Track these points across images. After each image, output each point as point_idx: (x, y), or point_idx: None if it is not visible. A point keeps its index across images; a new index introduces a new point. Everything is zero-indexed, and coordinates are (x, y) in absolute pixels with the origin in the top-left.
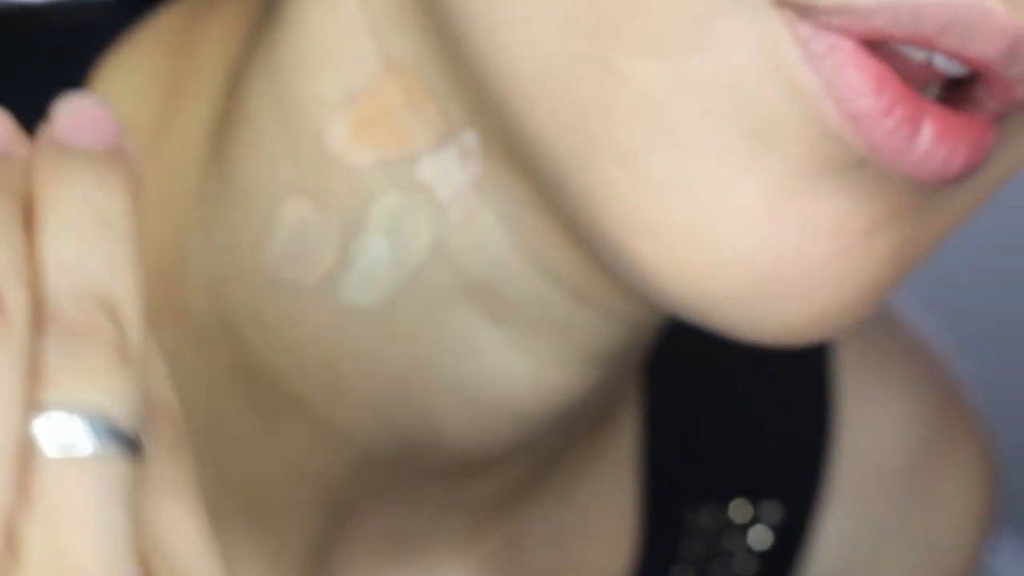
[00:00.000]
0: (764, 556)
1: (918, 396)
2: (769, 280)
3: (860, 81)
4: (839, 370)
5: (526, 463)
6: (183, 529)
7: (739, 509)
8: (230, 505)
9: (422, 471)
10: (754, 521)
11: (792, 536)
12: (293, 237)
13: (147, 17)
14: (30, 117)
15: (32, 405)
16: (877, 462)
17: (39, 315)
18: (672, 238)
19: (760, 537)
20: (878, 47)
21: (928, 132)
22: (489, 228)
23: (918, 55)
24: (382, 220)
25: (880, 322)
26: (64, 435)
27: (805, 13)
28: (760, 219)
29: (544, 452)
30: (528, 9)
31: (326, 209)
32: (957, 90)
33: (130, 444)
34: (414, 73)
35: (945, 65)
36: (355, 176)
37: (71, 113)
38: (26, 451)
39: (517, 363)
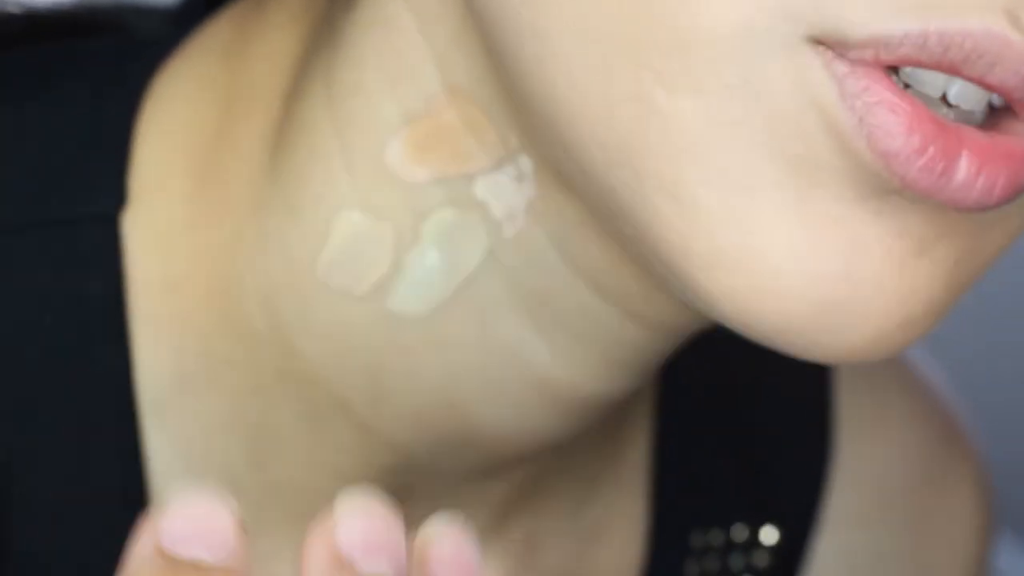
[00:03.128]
0: None
1: (916, 423)
2: (823, 306)
3: (891, 122)
4: (840, 398)
5: (547, 462)
6: None
7: (741, 532)
8: (273, 503)
9: (454, 470)
10: (755, 544)
11: (790, 560)
12: (347, 248)
13: (198, 27)
14: (85, 128)
15: None
16: (876, 489)
17: None
18: (726, 270)
19: (761, 560)
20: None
21: (966, 164)
22: (540, 246)
23: (934, 91)
24: (436, 234)
25: None
26: None
27: (840, 49)
28: (808, 248)
29: (564, 453)
30: (573, 47)
31: (381, 222)
32: (997, 110)
33: None
34: (472, 98)
35: (958, 98)
36: (411, 191)
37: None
38: None
39: (560, 371)
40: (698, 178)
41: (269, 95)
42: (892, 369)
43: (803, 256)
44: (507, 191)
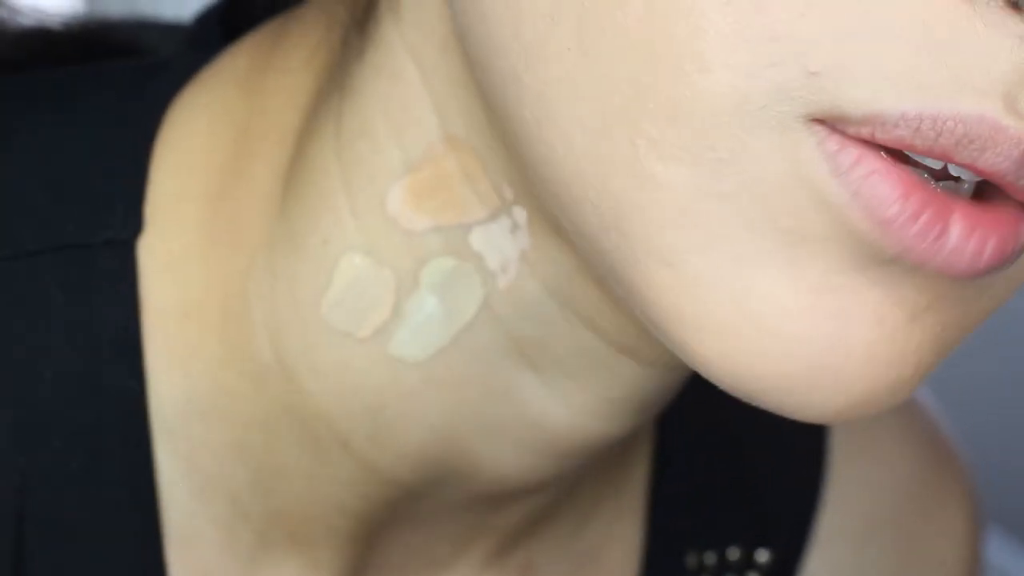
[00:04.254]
0: None
1: (908, 445)
2: (815, 369)
3: (887, 189)
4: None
5: (549, 494)
6: None
7: (734, 554)
8: (276, 529)
9: (454, 503)
10: (748, 565)
11: None
12: (350, 291)
13: (211, 49)
14: (102, 153)
15: None
16: (868, 510)
17: None
18: (718, 334)
19: None
20: (900, 155)
21: (956, 230)
22: (535, 295)
23: (934, 163)
24: (434, 282)
25: None
26: None
27: (840, 126)
28: (802, 314)
29: (567, 484)
30: (572, 111)
31: (383, 267)
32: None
33: None
34: (470, 148)
35: (959, 171)
36: (411, 238)
37: None
38: None
39: (558, 410)
40: (690, 246)
41: (283, 130)
42: None
43: (796, 320)
44: (501, 241)
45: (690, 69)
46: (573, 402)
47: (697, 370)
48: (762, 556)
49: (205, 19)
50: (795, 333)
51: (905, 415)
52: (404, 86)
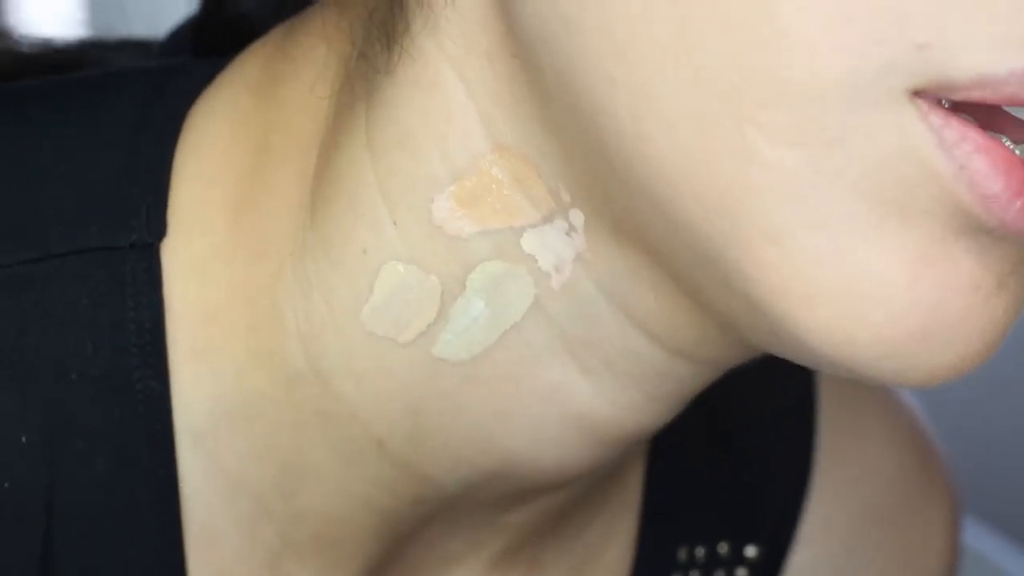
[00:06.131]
0: None
1: (893, 445)
2: (918, 334)
3: (991, 167)
4: (820, 421)
5: (569, 492)
6: None
7: (724, 550)
8: (297, 530)
9: (483, 501)
10: (736, 560)
11: (769, 574)
12: (393, 298)
13: (227, 63)
14: (124, 157)
15: None
16: (853, 506)
17: None
18: (826, 305)
19: (741, 574)
20: (998, 114)
21: None
22: (589, 295)
23: None
24: (482, 285)
25: None
26: None
27: (946, 94)
28: (906, 283)
29: (592, 480)
30: (671, 102)
31: (427, 273)
32: None
33: None
34: (521, 155)
35: None
36: (458, 244)
37: None
38: None
39: (602, 408)
40: (799, 223)
41: (305, 142)
42: (870, 391)
43: (901, 289)
44: (556, 244)
45: (797, 52)
46: (619, 400)
47: (793, 345)
48: (750, 551)
49: (176, 35)
50: (899, 301)
51: (888, 413)
52: (445, 98)
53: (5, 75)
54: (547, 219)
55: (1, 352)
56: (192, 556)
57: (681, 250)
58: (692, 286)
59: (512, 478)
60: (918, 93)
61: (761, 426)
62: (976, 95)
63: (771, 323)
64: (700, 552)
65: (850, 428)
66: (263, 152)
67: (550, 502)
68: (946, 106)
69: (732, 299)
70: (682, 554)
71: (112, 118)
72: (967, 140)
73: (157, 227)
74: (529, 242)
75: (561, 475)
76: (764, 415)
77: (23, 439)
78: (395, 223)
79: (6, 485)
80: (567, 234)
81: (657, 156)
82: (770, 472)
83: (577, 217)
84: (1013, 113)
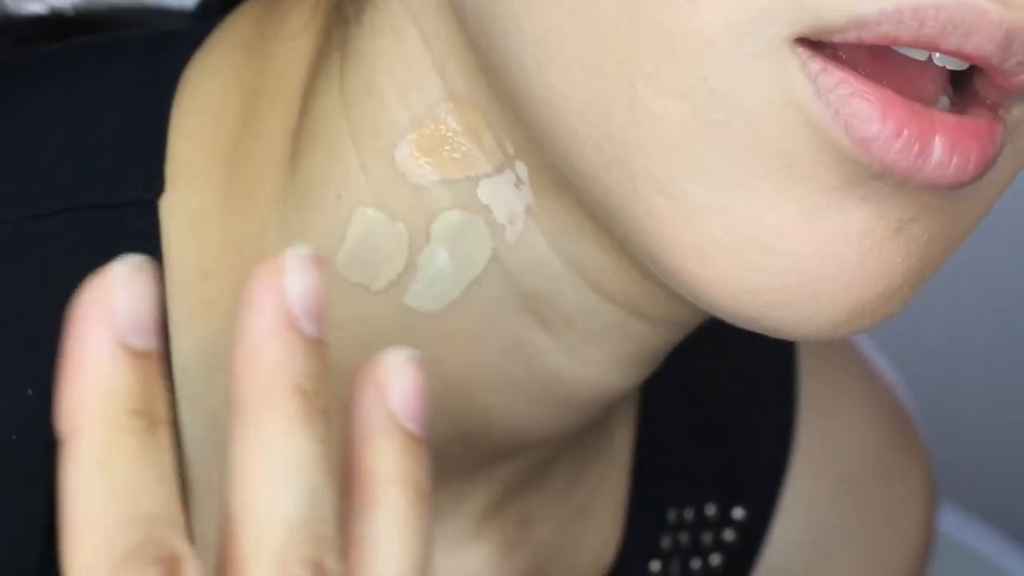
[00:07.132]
0: (731, 552)
1: (871, 412)
2: (808, 281)
3: (867, 109)
4: (801, 388)
5: (549, 448)
6: None
7: (711, 511)
8: None
9: (463, 458)
10: (724, 522)
11: (755, 535)
12: (365, 244)
13: (219, 22)
14: (122, 116)
15: None
16: (833, 471)
17: None
18: (716, 257)
19: (728, 535)
20: (885, 57)
21: (940, 145)
22: (541, 250)
23: (919, 55)
24: (445, 234)
25: (838, 343)
26: None
27: (824, 37)
28: (795, 233)
29: (565, 439)
30: (572, 51)
31: (395, 220)
32: (960, 94)
33: None
34: (472, 105)
35: (943, 61)
36: (420, 192)
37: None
38: None
39: (569, 366)
40: (687, 175)
41: (290, 90)
42: (851, 359)
43: (790, 239)
44: (508, 195)
45: (681, 3)
46: (586, 358)
47: (694, 299)
48: (737, 514)
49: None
50: (789, 250)
51: (868, 384)
52: (405, 46)
53: (40, 39)
54: (498, 170)
55: (5, 307)
56: (196, 513)
57: (597, 204)
58: (615, 241)
59: (488, 437)
60: (800, 41)
61: (743, 389)
62: (852, 36)
63: (670, 276)
64: (689, 514)
65: (830, 398)
66: (254, 104)
67: (533, 458)
68: (832, 55)
69: (641, 255)
70: (671, 515)
71: (112, 79)
72: (843, 84)
73: (156, 184)
74: (485, 192)
75: (537, 434)
76: (746, 378)
77: (29, 392)
78: (364, 169)
79: (13, 437)
80: (516, 186)
81: (560, 105)
82: (754, 434)
83: (522, 169)
84: (937, 63)
